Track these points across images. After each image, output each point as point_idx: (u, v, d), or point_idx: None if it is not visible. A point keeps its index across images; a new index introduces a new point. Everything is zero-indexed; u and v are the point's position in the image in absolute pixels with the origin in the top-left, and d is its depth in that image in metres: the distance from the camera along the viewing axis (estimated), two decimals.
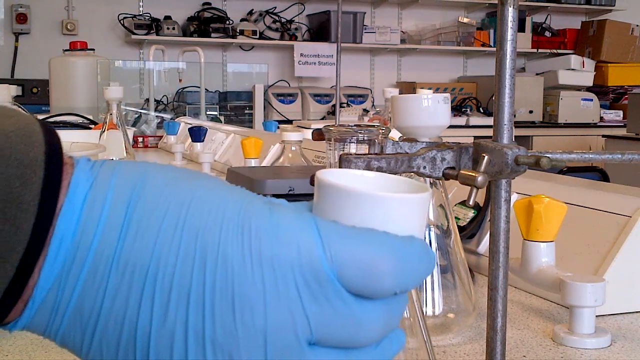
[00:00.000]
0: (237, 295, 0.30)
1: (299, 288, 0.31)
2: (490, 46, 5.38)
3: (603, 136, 4.47)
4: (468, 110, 4.89)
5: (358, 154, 0.47)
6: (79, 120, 2.57)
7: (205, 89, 3.59)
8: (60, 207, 0.31)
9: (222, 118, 3.80)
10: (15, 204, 0.30)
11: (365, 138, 0.48)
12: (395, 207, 0.32)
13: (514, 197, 0.93)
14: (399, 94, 1.70)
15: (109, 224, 0.31)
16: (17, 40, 4.60)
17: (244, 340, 0.30)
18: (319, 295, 0.31)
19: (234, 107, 4.38)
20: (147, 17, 4.71)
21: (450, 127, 0.78)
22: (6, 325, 0.32)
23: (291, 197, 0.84)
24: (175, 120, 2.81)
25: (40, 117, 2.53)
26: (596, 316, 0.73)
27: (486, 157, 0.46)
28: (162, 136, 2.71)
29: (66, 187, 0.32)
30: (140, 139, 2.72)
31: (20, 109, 1.84)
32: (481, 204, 1.01)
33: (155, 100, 3.92)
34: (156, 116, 3.43)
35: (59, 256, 0.31)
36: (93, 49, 3.59)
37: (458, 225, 0.99)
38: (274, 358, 0.31)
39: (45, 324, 0.32)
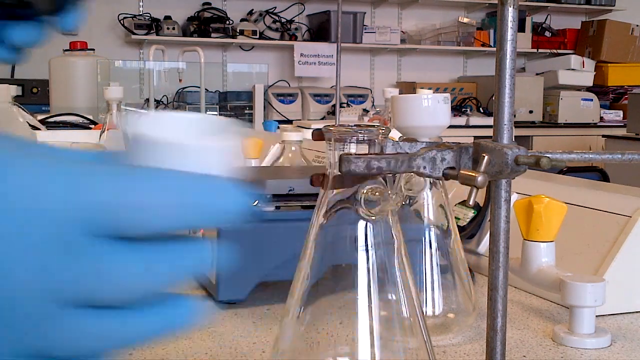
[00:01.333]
0: None
1: (50, 243, 0.28)
2: (490, 46, 5.37)
3: (603, 136, 4.47)
4: (468, 110, 4.89)
5: (358, 154, 0.47)
6: (79, 120, 2.58)
7: (205, 89, 3.59)
8: None
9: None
10: None
11: (365, 138, 0.48)
12: (189, 155, 0.32)
13: (514, 197, 0.93)
14: (399, 94, 1.70)
15: None
16: None
17: None
18: (71, 248, 0.28)
19: (234, 107, 4.38)
20: (147, 17, 4.71)
21: (450, 127, 0.78)
22: None
23: (291, 197, 0.84)
24: None
25: (40, 117, 2.53)
26: (596, 316, 0.73)
27: (486, 157, 0.46)
28: None
29: None
30: None
31: (20, 109, 1.84)
32: (481, 204, 1.01)
33: (155, 100, 3.92)
34: None
35: None
36: (93, 49, 3.59)
37: (458, 225, 0.99)
38: (29, 323, 0.28)
39: None
